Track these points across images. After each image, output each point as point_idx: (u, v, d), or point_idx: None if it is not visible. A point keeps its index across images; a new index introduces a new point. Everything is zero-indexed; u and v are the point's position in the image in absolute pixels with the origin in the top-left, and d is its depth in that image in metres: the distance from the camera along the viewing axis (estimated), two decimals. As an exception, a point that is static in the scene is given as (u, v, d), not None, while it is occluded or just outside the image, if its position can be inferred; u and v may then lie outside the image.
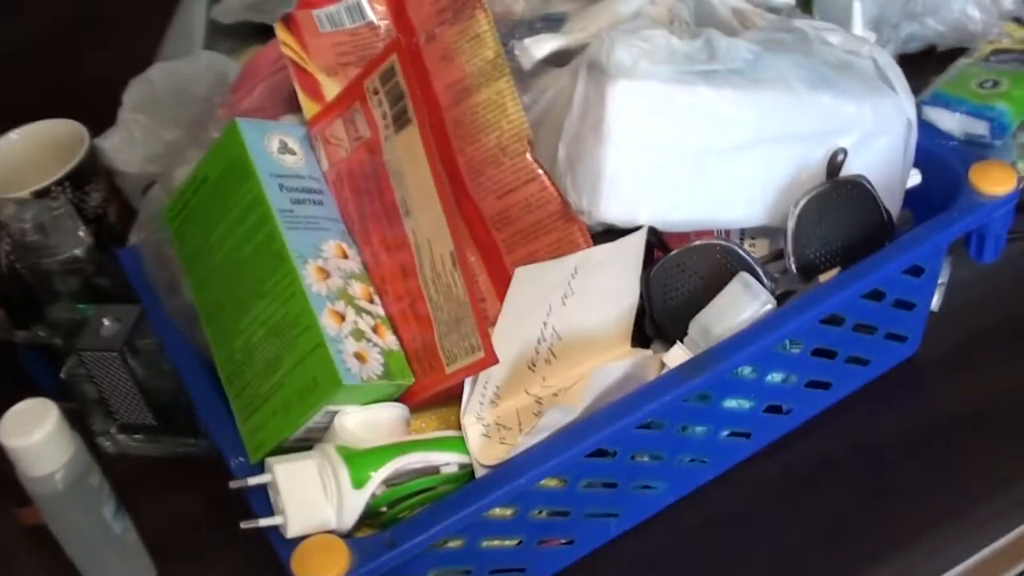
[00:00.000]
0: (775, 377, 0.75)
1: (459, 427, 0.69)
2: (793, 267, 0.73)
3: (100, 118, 1.05)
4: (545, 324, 0.69)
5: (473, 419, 0.68)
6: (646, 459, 0.72)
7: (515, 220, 0.72)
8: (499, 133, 0.71)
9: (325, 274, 0.68)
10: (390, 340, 0.68)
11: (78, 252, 0.90)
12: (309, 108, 0.74)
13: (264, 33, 1.16)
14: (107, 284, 0.94)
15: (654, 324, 0.73)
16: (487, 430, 0.67)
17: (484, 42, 0.72)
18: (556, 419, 0.64)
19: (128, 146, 1.06)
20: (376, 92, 0.70)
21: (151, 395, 0.84)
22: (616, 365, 0.67)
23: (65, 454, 0.68)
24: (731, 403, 0.74)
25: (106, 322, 0.83)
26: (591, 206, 0.70)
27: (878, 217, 0.76)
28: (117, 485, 0.74)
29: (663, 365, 0.70)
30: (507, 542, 0.70)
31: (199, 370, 0.75)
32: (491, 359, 0.63)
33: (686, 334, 0.71)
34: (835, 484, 0.77)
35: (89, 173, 1.01)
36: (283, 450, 0.67)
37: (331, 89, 0.74)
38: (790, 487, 0.77)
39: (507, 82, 0.71)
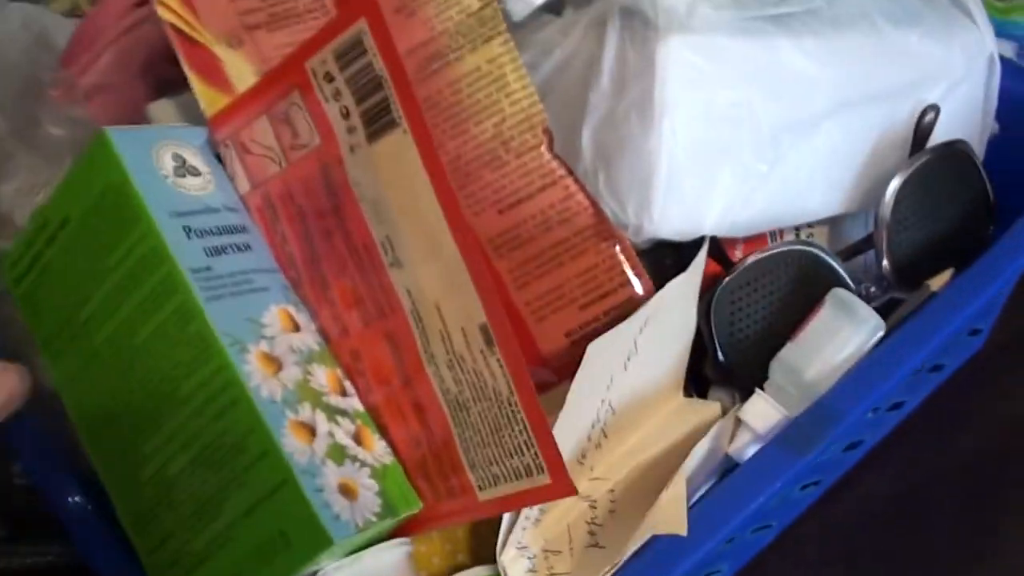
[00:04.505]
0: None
1: (474, 550, 0.49)
2: (889, 270, 0.55)
3: None
4: (603, 402, 0.49)
5: (513, 552, 0.47)
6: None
7: (527, 242, 0.50)
8: (498, 120, 0.50)
9: (275, 364, 0.45)
10: (379, 449, 0.46)
11: None
12: (209, 98, 0.49)
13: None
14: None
15: (719, 365, 0.54)
16: (533, 563, 0.47)
17: (463, -16, 0.49)
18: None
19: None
20: (331, 78, 0.45)
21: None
22: (695, 452, 0.48)
23: None
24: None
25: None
26: (640, 216, 0.50)
27: (976, 193, 0.58)
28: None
29: (738, 423, 0.52)
30: None
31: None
32: (563, 487, 0.42)
33: (764, 377, 0.52)
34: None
35: None
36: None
37: (236, 67, 0.50)
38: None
39: (504, 43, 0.49)
